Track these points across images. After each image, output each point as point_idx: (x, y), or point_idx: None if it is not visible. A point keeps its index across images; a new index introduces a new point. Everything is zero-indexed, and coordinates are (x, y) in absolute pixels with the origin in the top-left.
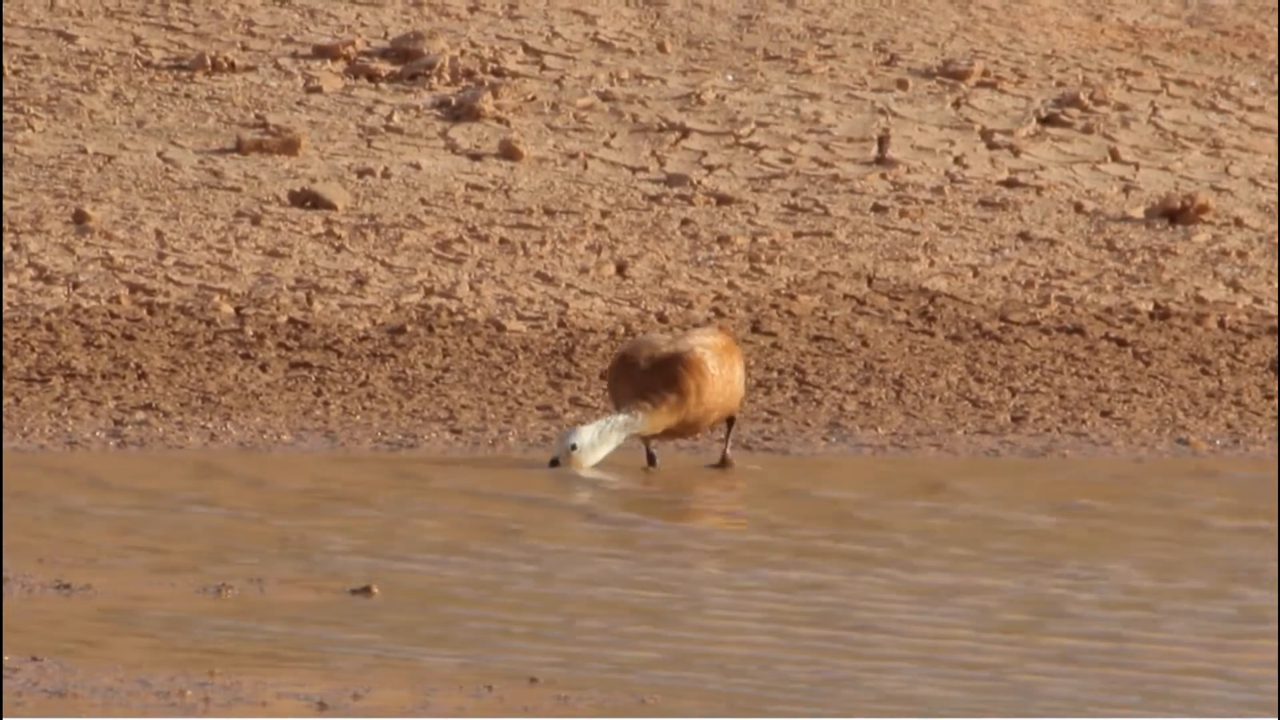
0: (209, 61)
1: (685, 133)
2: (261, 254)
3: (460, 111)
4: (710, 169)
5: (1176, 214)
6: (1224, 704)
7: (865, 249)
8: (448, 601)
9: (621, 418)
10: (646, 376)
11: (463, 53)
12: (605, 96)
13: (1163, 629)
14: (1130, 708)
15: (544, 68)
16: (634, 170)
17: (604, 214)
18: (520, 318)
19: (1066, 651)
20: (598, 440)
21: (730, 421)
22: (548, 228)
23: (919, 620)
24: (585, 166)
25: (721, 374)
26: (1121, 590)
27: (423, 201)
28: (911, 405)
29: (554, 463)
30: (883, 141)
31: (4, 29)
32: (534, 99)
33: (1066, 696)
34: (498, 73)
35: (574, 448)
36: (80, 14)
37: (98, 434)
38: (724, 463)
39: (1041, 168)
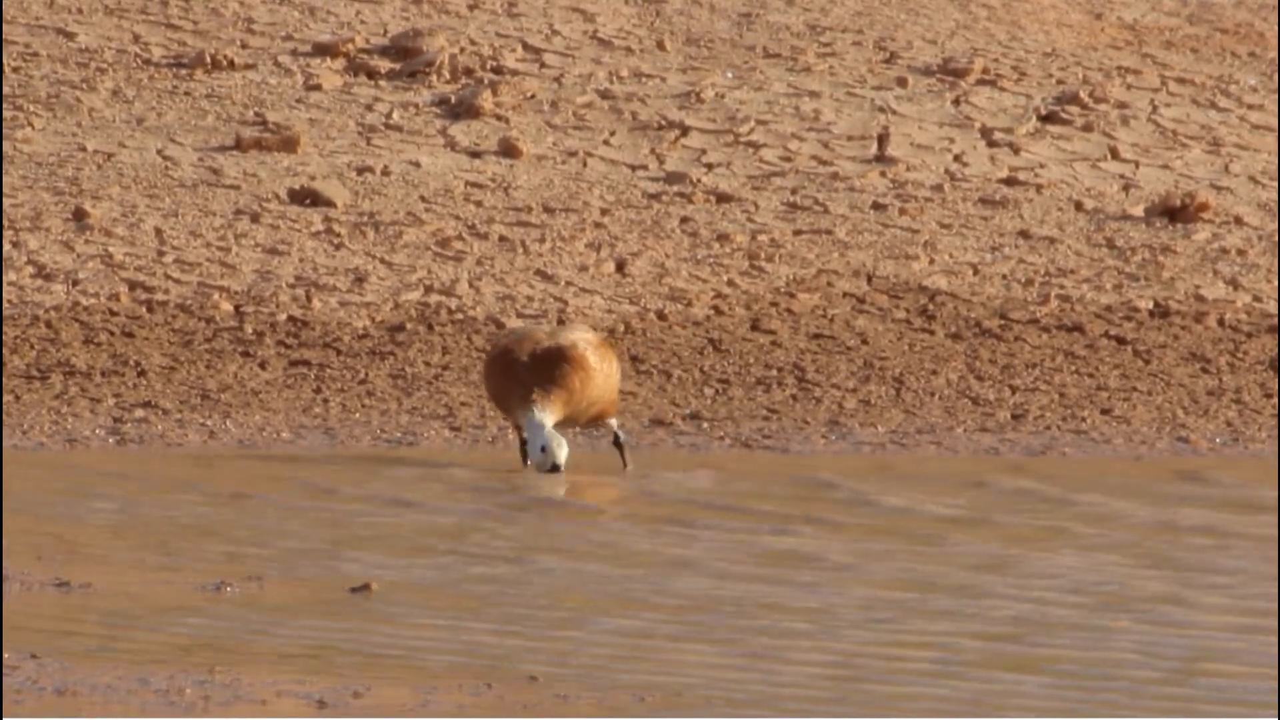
0: (208, 59)
1: (685, 130)
2: (261, 252)
3: (460, 109)
4: (710, 167)
5: (1176, 212)
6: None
7: (865, 247)
8: (448, 600)
9: (541, 415)
10: (531, 372)
11: (462, 50)
12: (605, 94)
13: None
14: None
15: (543, 65)
16: (633, 168)
17: (603, 212)
18: (520, 315)
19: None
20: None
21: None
22: (547, 225)
23: (929, 629)
24: (585, 164)
25: (601, 369)
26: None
27: (422, 199)
28: (911, 403)
29: (555, 468)
30: (882, 139)
31: (4, 26)
32: (533, 97)
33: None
34: (497, 70)
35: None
36: (80, 11)
37: (97, 431)
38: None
39: (1041, 166)
